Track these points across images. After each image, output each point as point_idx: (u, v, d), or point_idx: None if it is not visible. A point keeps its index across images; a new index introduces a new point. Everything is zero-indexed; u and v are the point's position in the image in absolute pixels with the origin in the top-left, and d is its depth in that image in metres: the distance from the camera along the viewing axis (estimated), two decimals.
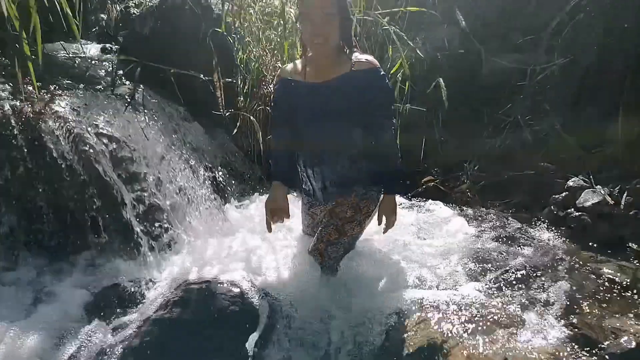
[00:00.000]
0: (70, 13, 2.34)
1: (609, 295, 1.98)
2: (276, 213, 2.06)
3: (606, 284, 2.05)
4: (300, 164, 2.16)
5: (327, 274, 2.09)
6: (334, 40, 1.91)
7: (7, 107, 2.21)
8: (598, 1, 3.23)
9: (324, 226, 2.12)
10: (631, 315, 1.81)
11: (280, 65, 3.29)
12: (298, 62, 2.11)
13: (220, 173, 2.90)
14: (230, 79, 3.12)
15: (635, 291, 1.99)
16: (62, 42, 3.08)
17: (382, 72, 1.96)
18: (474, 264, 2.24)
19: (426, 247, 2.42)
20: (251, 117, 3.08)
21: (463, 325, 1.76)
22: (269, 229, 2.10)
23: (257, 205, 2.88)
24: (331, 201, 2.12)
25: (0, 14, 2.05)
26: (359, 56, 1.97)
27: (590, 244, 2.42)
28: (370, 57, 1.98)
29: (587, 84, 3.17)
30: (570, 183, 2.78)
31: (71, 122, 2.26)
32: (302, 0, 1.93)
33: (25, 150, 2.15)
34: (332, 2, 1.85)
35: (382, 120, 2.00)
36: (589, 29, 3.27)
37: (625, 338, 1.67)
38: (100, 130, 2.35)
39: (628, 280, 2.05)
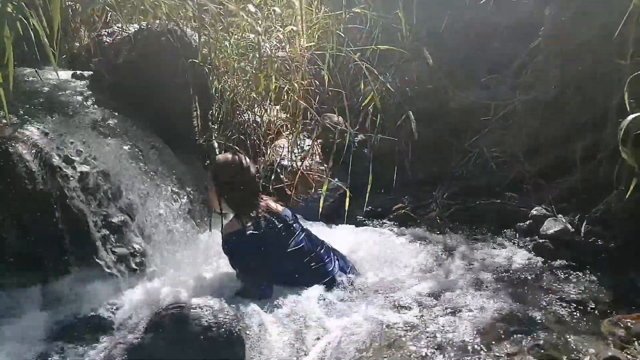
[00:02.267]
0: (47, 42, 2.33)
1: (572, 316, 2.07)
2: None
3: (571, 305, 2.15)
4: None
5: None
6: (214, 202, 2.34)
7: None
8: (553, 44, 3.45)
9: None
10: (593, 336, 1.90)
11: (255, 96, 3.37)
12: None
13: (194, 200, 2.89)
14: (205, 109, 3.16)
15: (597, 313, 2.09)
16: (35, 70, 3.05)
17: (228, 238, 2.26)
18: (441, 287, 2.31)
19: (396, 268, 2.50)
20: (229, 144, 3.12)
21: (430, 349, 1.82)
22: None
23: None
24: None
25: None
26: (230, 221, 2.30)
27: (553, 268, 2.52)
28: (230, 223, 2.29)
29: (548, 119, 3.35)
30: (533, 212, 2.91)
31: (40, 146, 2.23)
32: None
33: None
34: (208, 175, 2.38)
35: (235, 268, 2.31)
36: (548, 69, 3.48)
37: (587, 358, 1.75)
38: (70, 154, 2.33)
39: (589, 303, 2.16)
